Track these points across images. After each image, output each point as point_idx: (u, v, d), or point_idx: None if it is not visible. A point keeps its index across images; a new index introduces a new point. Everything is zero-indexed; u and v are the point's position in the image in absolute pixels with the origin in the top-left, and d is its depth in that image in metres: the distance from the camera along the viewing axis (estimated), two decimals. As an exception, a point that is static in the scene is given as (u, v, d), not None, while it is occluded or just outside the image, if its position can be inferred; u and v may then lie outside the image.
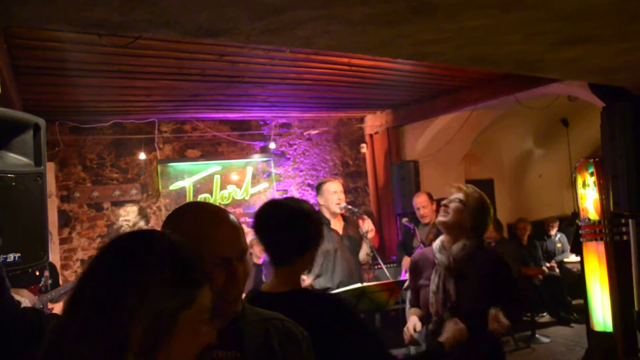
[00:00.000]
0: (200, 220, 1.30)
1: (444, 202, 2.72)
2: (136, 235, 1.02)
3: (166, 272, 0.94)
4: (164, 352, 0.93)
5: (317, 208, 4.56)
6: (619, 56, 2.33)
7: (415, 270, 2.88)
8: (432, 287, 2.65)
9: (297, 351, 1.35)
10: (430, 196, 5.39)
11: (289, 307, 1.60)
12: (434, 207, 5.34)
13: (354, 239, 4.51)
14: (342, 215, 4.47)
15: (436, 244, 2.76)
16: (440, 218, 2.70)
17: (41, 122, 2.57)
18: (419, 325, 2.72)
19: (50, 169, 5.63)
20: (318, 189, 4.46)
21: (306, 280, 4.13)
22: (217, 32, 1.62)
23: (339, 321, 1.79)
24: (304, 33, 1.63)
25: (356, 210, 4.67)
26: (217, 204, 1.48)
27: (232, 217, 1.34)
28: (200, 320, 0.99)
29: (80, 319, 0.91)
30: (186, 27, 1.53)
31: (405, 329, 2.79)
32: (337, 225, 4.41)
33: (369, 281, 4.60)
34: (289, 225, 1.87)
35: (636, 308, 3.54)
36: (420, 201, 5.38)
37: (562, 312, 7.39)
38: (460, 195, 2.68)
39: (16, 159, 2.50)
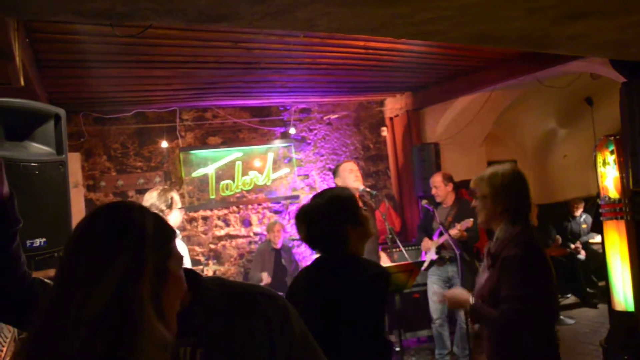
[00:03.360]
0: None
1: (472, 205, 2.65)
2: (118, 208, 1.13)
3: (151, 232, 1.07)
4: (166, 296, 1.07)
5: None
6: (627, 30, 2.29)
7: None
8: (480, 278, 2.61)
9: (264, 329, 1.28)
10: (446, 177, 5.37)
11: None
12: (450, 188, 5.33)
13: (372, 221, 4.54)
14: (359, 197, 4.49)
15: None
16: (479, 221, 2.65)
17: (61, 112, 2.65)
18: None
19: (76, 159, 5.79)
20: (335, 172, 4.50)
21: None
22: (219, 17, 1.66)
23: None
24: (304, 15, 1.66)
25: (374, 192, 4.70)
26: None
27: None
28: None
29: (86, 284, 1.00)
30: (188, 14, 1.58)
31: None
32: None
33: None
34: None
35: (658, 287, 3.50)
36: (433, 180, 5.38)
37: (586, 293, 7.33)
38: (478, 189, 2.56)
39: (39, 149, 2.59)
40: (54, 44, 3.59)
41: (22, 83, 2.93)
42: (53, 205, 2.57)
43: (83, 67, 4.14)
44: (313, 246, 2.13)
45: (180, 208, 3.75)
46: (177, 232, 3.66)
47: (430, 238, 5.33)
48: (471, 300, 2.50)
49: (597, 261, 7.26)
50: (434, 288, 5.28)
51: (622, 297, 4.15)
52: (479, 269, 2.85)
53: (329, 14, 1.66)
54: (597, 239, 7.48)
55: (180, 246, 3.56)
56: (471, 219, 4.73)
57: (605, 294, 4.57)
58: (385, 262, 5.80)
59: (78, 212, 5.77)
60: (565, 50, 3.06)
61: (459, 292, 2.62)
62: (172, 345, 1.05)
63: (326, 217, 2.06)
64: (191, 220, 6.24)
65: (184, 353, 1.24)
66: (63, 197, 2.67)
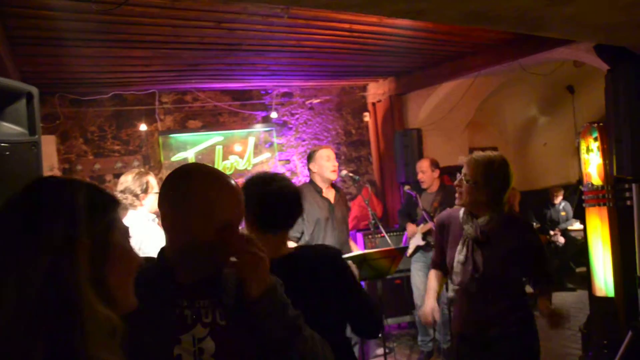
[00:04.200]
0: (210, 185, 1.38)
1: (455, 183, 2.71)
2: (42, 182, 1.02)
3: (83, 205, 0.97)
4: (111, 274, 0.98)
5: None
6: (620, 12, 2.26)
7: (442, 230, 2.92)
8: (460, 257, 2.69)
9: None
10: (433, 163, 5.35)
11: (292, 269, 1.80)
12: (437, 174, 5.31)
13: (345, 209, 4.52)
14: (332, 185, 4.45)
15: (462, 214, 2.77)
16: (457, 202, 2.72)
17: (34, 90, 2.54)
18: (437, 315, 2.87)
19: (51, 142, 5.62)
20: (310, 157, 4.42)
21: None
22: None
23: (337, 269, 2.01)
24: (293, -11, 1.59)
25: (357, 177, 4.66)
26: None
27: (237, 187, 1.43)
28: (126, 239, 1.07)
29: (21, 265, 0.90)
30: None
31: (423, 311, 2.91)
32: (329, 194, 4.40)
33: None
34: (286, 203, 2.04)
35: (638, 273, 3.52)
36: (420, 165, 5.36)
37: (565, 279, 7.43)
38: (468, 171, 2.65)
39: (10, 128, 2.48)
40: (26, 20, 3.43)
41: (-7, 60, 2.79)
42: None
43: (58, 46, 3.98)
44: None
45: (156, 192, 3.65)
46: (154, 216, 3.56)
47: (414, 223, 5.31)
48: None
49: (575, 248, 7.36)
50: (419, 275, 5.27)
51: (603, 283, 4.18)
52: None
53: (320, -13, 1.60)
54: (576, 226, 7.57)
55: (157, 231, 3.47)
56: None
57: (586, 280, 4.60)
58: (367, 248, 5.79)
59: (53, 196, 5.64)
60: (558, 32, 3.03)
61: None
62: (121, 329, 0.97)
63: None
64: (170, 205, 6.12)
65: (205, 313, 1.37)
66: (37, 179, 2.57)
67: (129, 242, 1.08)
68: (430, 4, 1.96)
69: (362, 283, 5.22)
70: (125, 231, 1.07)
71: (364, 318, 2.08)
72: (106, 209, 1.02)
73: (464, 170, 2.69)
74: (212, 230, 1.34)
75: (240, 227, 1.46)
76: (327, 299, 1.92)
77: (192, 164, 1.48)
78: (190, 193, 1.37)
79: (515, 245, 2.61)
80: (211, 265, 1.40)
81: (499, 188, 2.63)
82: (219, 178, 1.42)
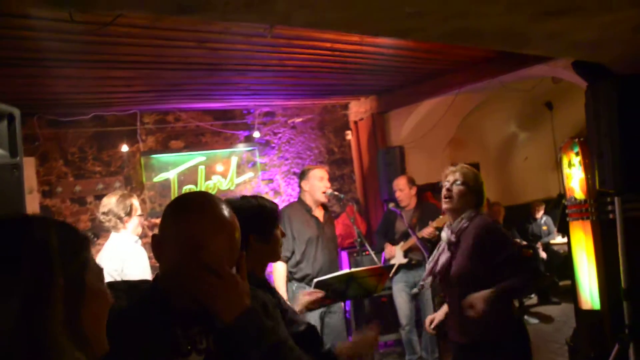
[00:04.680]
0: (202, 225, 1.33)
1: (446, 186, 2.80)
2: (12, 222, 0.97)
3: (56, 245, 0.94)
4: (85, 315, 0.95)
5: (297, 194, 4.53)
6: (603, 30, 2.31)
7: None
8: (432, 256, 2.96)
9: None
10: (410, 180, 5.38)
11: None
12: (414, 191, 5.33)
13: (333, 228, 4.52)
14: (322, 204, 4.45)
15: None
16: (446, 205, 2.83)
17: (15, 111, 2.51)
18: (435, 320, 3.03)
19: (30, 164, 5.52)
20: (303, 174, 4.42)
21: (282, 267, 4.13)
22: (190, 8, 1.56)
23: None
24: (281, 8, 1.58)
25: (342, 196, 4.66)
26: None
27: (234, 227, 1.38)
28: (101, 280, 1.05)
29: None
30: (159, 3, 1.47)
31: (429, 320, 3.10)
32: (319, 213, 4.40)
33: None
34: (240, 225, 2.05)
35: (623, 286, 3.55)
36: (397, 183, 5.37)
37: (548, 293, 7.47)
38: (460, 177, 2.80)
39: (-10, 150, 2.44)
40: (5, 40, 3.38)
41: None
42: (7, 211, 2.41)
43: (38, 66, 3.93)
44: None
45: (140, 215, 3.62)
46: (137, 238, 3.51)
47: (392, 243, 5.28)
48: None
49: (558, 261, 7.42)
50: (402, 295, 5.25)
51: (589, 295, 4.20)
52: None
53: (307, 6, 1.59)
54: (558, 239, 7.63)
55: (140, 253, 3.42)
56: (443, 217, 4.73)
57: (569, 293, 4.63)
58: (352, 266, 5.76)
59: (32, 219, 5.53)
60: (540, 49, 3.08)
61: (476, 299, 2.65)
62: None
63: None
64: (153, 226, 6.03)
65: (200, 339, 1.35)
66: (18, 203, 2.54)
67: (103, 282, 1.05)
68: (417, 23, 1.97)
69: (348, 302, 5.21)
70: (99, 271, 1.04)
71: None
72: (79, 248, 1.00)
73: (454, 177, 2.84)
74: (202, 274, 1.29)
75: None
76: None
77: (196, 196, 1.39)
78: (182, 233, 1.33)
79: (477, 245, 2.69)
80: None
81: (482, 195, 2.84)
82: (217, 219, 1.36)
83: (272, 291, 2.09)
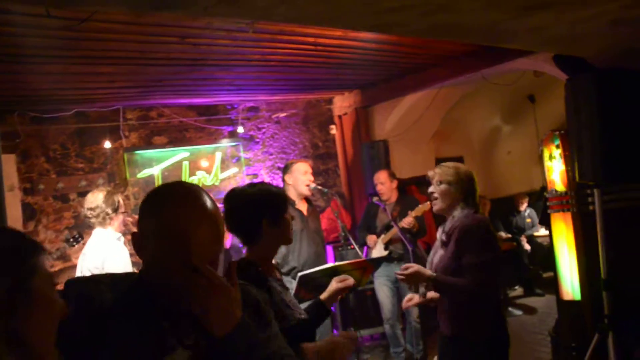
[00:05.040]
0: (182, 217, 1.23)
1: (429, 190, 2.83)
2: None
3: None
4: (31, 323, 0.94)
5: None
6: (581, 24, 2.33)
7: None
8: (429, 257, 2.97)
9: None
10: (391, 174, 5.41)
11: None
12: (395, 185, 5.36)
13: (317, 222, 4.53)
14: (305, 198, 4.46)
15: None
16: (435, 207, 2.87)
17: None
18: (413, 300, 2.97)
19: (11, 161, 5.46)
20: (287, 168, 4.43)
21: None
22: (171, 4, 1.55)
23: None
24: (262, 3, 1.58)
25: (326, 190, 4.67)
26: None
27: (216, 217, 1.28)
28: (50, 285, 1.02)
29: None
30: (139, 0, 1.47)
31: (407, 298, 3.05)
32: (302, 206, 4.42)
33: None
34: (253, 211, 2.12)
35: (603, 276, 3.60)
36: (378, 177, 5.39)
37: (532, 285, 7.56)
38: (438, 177, 2.83)
39: (-32, 148, 2.41)
40: (-17, 37, 3.34)
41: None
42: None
43: (19, 62, 3.88)
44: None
45: (123, 212, 3.61)
46: (120, 235, 3.50)
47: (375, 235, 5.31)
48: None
49: (542, 253, 7.51)
50: (383, 290, 5.28)
51: (570, 286, 4.27)
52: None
53: (287, 2, 1.59)
54: (541, 232, 7.72)
55: (121, 250, 3.42)
56: (422, 207, 4.76)
57: (553, 285, 4.70)
58: (337, 260, 5.78)
59: (14, 217, 5.46)
60: (523, 44, 3.11)
61: (417, 268, 2.75)
62: None
63: (247, 204, 2.13)
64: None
65: (187, 334, 1.29)
66: (-5, 201, 2.51)
67: (53, 289, 1.04)
68: (400, 17, 1.98)
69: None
70: (49, 277, 1.03)
71: None
72: (27, 255, 0.99)
73: (435, 179, 2.86)
74: (185, 270, 1.20)
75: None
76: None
77: (171, 183, 1.36)
78: (163, 225, 1.23)
79: (456, 240, 2.70)
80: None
81: (469, 188, 2.81)
82: (198, 209, 1.26)
83: (270, 286, 2.11)
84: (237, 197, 2.16)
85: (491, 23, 2.24)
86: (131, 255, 3.47)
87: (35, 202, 5.61)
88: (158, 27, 3.56)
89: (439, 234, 2.90)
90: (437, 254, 2.85)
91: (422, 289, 2.89)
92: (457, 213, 2.78)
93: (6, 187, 5.38)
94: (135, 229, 1.31)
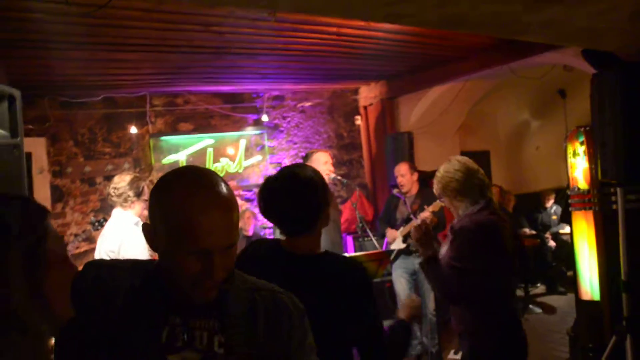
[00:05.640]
0: (189, 203, 1.14)
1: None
2: None
3: (13, 217, 0.99)
4: (47, 278, 1.00)
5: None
6: (599, 17, 2.27)
7: None
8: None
9: (285, 325, 1.29)
10: (412, 167, 5.36)
11: (316, 270, 1.73)
12: (415, 177, 5.31)
13: (335, 212, 4.51)
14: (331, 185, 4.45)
15: None
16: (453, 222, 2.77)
17: (16, 93, 2.54)
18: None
19: (41, 144, 5.62)
20: (307, 157, 4.43)
21: None
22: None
23: (361, 283, 1.84)
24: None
25: (345, 181, 4.66)
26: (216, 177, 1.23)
27: (228, 203, 1.17)
28: (61, 246, 1.08)
29: None
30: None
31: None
32: None
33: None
34: (305, 200, 1.85)
35: (623, 277, 3.52)
36: (399, 169, 5.34)
37: (555, 282, 7.44)
38: (437, 191, 2.78)
39: (-9, 131, 2.48)
40: (10, 23, 3.42)
41: (-25, 62, 2.79)
42: (8, 190, 2.46)
43: (44, 48, 3.97)
44: (279, 217, 1.91)
45: (145, 200, 3.67)
46: (138, 220, 3.56)
47: (394, 228, 5.30)
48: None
49: (566, 251, 7.37)
50: (401, 281, 5.27)
51: (589, 286, 4.19)
52: None
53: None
54: (567, 229, 7.57)
55: (139, 236, 3.48)
56: (439, 202, 4.72)
57: (573, 284, 4.61)
58: (356, 251, 5.79)
59: (43, 198, 5.62)
60: (538, 37, 3.03)
61: (429, 236, 2.71)
62: (56, 333, 1.01)
63: (309, 188, 1.87)
64: (161, 207, 6.10)
65: (200, 337, 1.22)
66: (18, 181, 2.57)
67: (64, 250, 1.09)
68: (409, 8, 1.96)
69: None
70: (59, 239, 1.08)
71: (373, 344, 1.87)
72: (37, 220, 1.04)
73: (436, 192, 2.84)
74: (194, 258, 1.14)
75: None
76: (346, 310, 1.77)
77: (179, 169, 1.25)
78: (168, 211, 1.15)
79: (461, 241, 2.62)
80: (195, 298, 1.21)
81: (472, 187, 2.68)
82: (206, 192, 1.16)
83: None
84: (294, 181, 1.86)
85: (503, 16, 2.20)
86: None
87: (63, 185, 5.75)
88: (179, 14, 3.60)
89: (450, 228, 2.87)
90: (444, 248, 2.82)
91: None
92: (461, 211, 2.72)
93: (37, 169, 5.57)
94: None
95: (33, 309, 0.96)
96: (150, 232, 1.22)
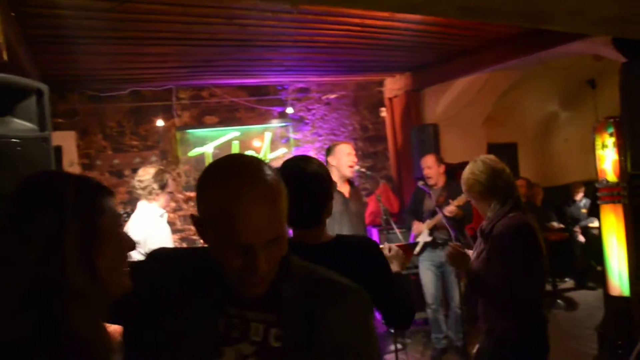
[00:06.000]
0: (227, 196, 1.08)
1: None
2: (32, 178, 1.08)
3: (70, 194, 1.03)
4: (102, 256, 1.04)
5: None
6: (626, 5, 2.20)
7: None
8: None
9: (345, 318, 1.20)
10: (438, 159, 5.31)
11: (330, 257, 1.61)
12: (442, 170, 5.26)
13: (359, 204, 4.50)
14: (348, 180, 4.44)
15: None
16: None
17: (44, 87, 2.59)
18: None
19: (71, 137, 5.73)
20: (330, 150, 4.42)
21: None
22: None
23: (375, 258, 1.93)
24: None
25: (369, 172, 4.65)
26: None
27: (269, 195, 1.10)
28: (119, 225, 1.13)
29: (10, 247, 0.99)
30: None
31: None
32: (344, 188, 4.39)
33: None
34: (314, 193, 1.86)
35: (653, 272, 3.45)
36: (425, 161, 5.30)
37: (584, 277, 7.31)
38: (465, 190, 2.75)
39: (21, 125, 2.54)
40: (41, 19, 3.51)
41: (5, 57, 2.86)
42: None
43: (73, 43, 4.05)
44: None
45: (170, 192, 3.72)
46: (163, 212, 3.62)
47: (420, 221, 5.27)
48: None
49: (596, 245, 7.22)
50: (427, 274, 5.25)
51: (618, 281, 4.10)
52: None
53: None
54: (596, 223, 7.42)
55: (164, 228, 3.53)
56: (464, 195, 4.67)
57: (602, 278, 4.53)
58: (381, 243, 5.77)
59: (73, 190, 5.74)
60: (564, 26, 2.97)
61: (465, 255, 2.72)
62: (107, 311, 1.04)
63: (315, 181, 1.88)
64: (188, 199, 6.19)
65: (255, 329, 1.17)
66: (46, 174, 2.62)
67: (120, 226, 1.14)
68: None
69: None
70: (116, 216, 1.11)
71: (398, 307, 2.00)
72: (94, 196, 1.07)
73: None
74: (236, 253, 1.09)
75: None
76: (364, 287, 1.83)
77: (222, 158, 1.17)
78: (209, 204, 1.11)
79: (496, 245, 2.57)
80: (242, 293, 1.16)
81: (499, 187, 2.64)
82: (246, 184, 1.09)
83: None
84: (299, 175, 1.84)
85: (529, 4, 2.15)
86: (173, 233, 3.59)
87: (92, 177, 5.86)
88: (203, 8, 3.64)
89: (480, 230, 2.81)
90: (476, 250, 2.77)
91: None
92: (490, 213, 2.65)
93: (67, 162, 5.69)
94: (185, 206, 1.29)
95: (87, 281, 1.00)
96: (197, 223, 1.17)
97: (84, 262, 1.00)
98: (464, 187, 2.74)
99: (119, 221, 1.13)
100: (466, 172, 2.71)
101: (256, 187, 1.09)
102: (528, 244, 2.51)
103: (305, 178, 1.85)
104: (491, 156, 2.73)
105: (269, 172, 1.13)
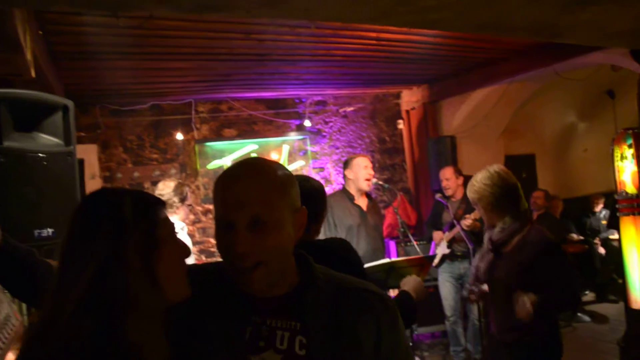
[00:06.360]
0: (221, 176, 1.21)
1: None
2: (94, 194, 1.16)
3: (128, 208, 1.10)
4: (161, 264, 1.10)
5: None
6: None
7: None
8: (474, 262, 2.92)
9: (372, 327, 1.21)
10: (457, 170, 5.31)
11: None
12: (461, 182, 5.26)
13: (377, 217, 4.52)
14: (366, 193, 4.46)
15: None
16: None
17: (69, 103, 2.68)
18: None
19: (93, 151, 5.85)
20: (347, 163, 4.45)
21: None
22: (216, 7, 1.64)
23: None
24: (301, 4, 1.64)
25: (386, 185, 4.67)
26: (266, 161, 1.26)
27: (258, 176, 1.16)
28: (172, 232, 1.18)
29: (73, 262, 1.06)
30: (182, 4, 1.57)
31: None
32: (362, 202, 4.41)
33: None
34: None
35: (675, 284, 3.41)
36: (443, 173, 5.31)
37: (605, 290, 7.20)
38: (472, 198, 2.73)
39: (47, 140, 2.62)
40: (66, 36, 3.61)
41: (33, 75, 2.95)
42: (61, 195, 2.59)
43: (96, 59, 4.16)
44: None
45: (189, 205, 3.78)
46: (183, 225, 3.68)
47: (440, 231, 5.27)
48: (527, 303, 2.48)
49: (617, 258, 7.12)
50: (446, 286, 5.23)
51: (639, 295, 4.06)
52: None
53: (326, 2, 1.63)
54: (616, 235, 7.33)
55: (184, 240, 3.58)
56: None
57: (623, 292, 4.47)
58: (399, 255, 5.77)
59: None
60: (578, 39, 2.98)
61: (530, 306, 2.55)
62: (164, 317, 1.09)
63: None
64: (206, 212, 6.26)
65: (281, 337, 1.17)
66: (71, 187, 2.70)
67: (175, 235, 1.20)
68: (442, 15, 1.97)
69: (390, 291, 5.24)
70: (171, 226, 1.18)
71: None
72: (150, 209, 1.15)
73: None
74: (221, 231, 1.18)
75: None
76: None
77: (235, 166, 1.24)
78: (213, 196, 1.22)
79: (527, 263, 2.55)
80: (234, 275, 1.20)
81: (510, 198, 2.62)
82: (238, 165, 1.21)
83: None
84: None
85: (540, 19, 2.17)
86: (194, 245, 3.64)
87: (148, 192, 5.95)
88: (223, 23, 3.71)
89: (486, 240, 2.77)
90: (484, 260, 2.75)
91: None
92: (505, 226, 2.63)
93: (89, 175, 5.79)
94: (204, 219, 1.37)
95: (147, 287, 1.06)
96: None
97: (144, 270, 1.07)
98: (474, 196, 2.67)
99: (174, 230, 1.19)
100: (478, 180, 2.65)
101: (248, 167, 1.20)
102: (562, 257, 2.61)
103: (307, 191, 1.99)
104: (503, 168, 2.70)
105: (272, 165, 1.21)
